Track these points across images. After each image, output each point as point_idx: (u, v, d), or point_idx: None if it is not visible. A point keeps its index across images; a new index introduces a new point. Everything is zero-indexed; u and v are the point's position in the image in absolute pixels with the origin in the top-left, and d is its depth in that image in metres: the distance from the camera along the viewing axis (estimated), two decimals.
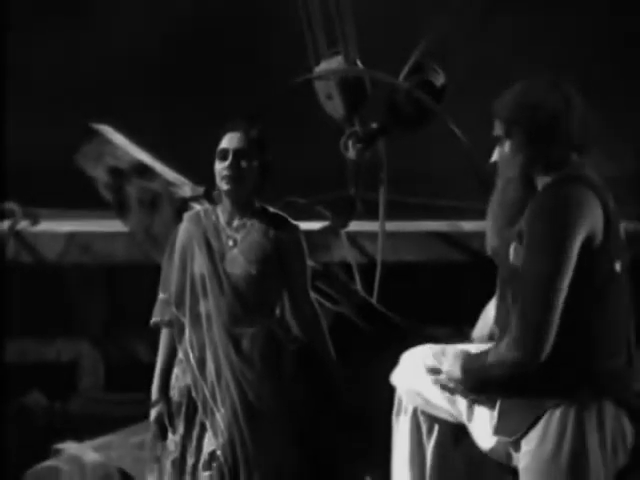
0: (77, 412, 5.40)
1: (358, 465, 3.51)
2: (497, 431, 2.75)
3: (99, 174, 4.49)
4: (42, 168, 5.70)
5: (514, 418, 2.71)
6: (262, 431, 3.32)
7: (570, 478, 2.64)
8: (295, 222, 3.50)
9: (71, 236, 5.61)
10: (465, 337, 3.99)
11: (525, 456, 2.71)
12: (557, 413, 2.67)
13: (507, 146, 2.74)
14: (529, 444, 2.71)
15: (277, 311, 3.47)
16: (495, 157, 2.78)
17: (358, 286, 4.60)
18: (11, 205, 5.59)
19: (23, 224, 5.60)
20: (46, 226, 5.70)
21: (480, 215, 4.47)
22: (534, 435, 2.70)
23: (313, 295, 3.60)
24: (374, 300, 4.56)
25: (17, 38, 6.06)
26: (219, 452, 3.28)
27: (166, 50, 6.24)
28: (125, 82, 6.21)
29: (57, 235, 5.63)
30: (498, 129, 2.75)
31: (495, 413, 2.74)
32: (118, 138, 4.58)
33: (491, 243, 2.72)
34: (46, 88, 6.16)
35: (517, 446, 2.74)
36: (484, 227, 3.86)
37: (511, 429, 2.71)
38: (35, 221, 5.65)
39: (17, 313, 5.44)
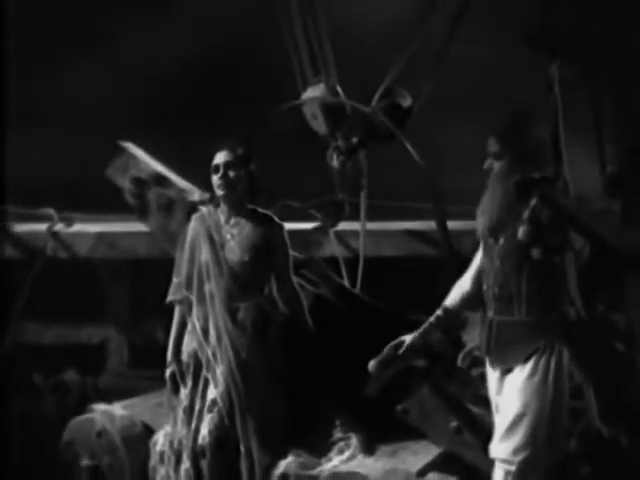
0: (105, 386, 5.84)
1: (330, 410, 4.18)
2: (491, 361, 3.74)
3: (125, 183, 4.90)
4: (77, 178, 6.04)
5: (512, 352, 3.69)
6: (252, 383, 4.05)
7: (553, 403, 3.63)
8: (279, 220, 4.24)
9: (100, 235, 6.02)
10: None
11: (515, 383, 3.68)
12: (546, 352, 3.66)
13: (503, 162, 3.76)
14: (521, 373, 3.68)
15: (266, 290, 4.20)
16: (488, 165, 3.82)
17: (344, 277, 5.08)
18: (49, 210, 6.08)
19: (59, 226, 6.07)
20: (79, 227, 6.12)
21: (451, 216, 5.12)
22: (525, 367, 3.67)
23: (297, 279, 4.33)
24: (357, 288, 5.00)
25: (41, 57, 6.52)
26: (219, 399, 4.02)
27: (175, 77, 6.52)
28: (141, 103, 6.51)
29: (88, 235, 6.05)
30: (494, 147, 3.80)
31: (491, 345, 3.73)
32: (141, 153, 5.00)
33: (491, 225, 3.74)
34: (78, 114, 6.54)
35: (505, 374, 3.73)
36: (454, 227, 4.88)
37: (503, 360, 3.70)
38: (69, 223, 6.10)
39: (55, 302, 5.94)
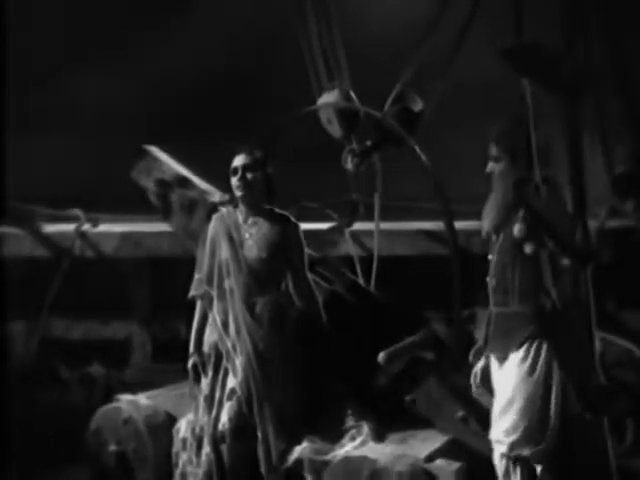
0: (130, 379, 6.04)
1: (343, 400, 4.35)
2: (491, 349, 3.98)
3: (149, 185, 5.09)
4: (103, 180, 6.15)
5: (506, 340, 3.94)
6: (269, 373, 4.24)
7: (542, 387, 3.88)
8: (295, 220, 4.41)
9: (125, 235, 6.23)
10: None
11: (508, 369, 3.93)
12: (537, 339, 3.90)
13: (502, 165, 4.02)
14: (514, 359, 3.93)
15: (283, 286, 4.37)
16: (490, 169, 4.07)
17: (359, 275, 5.20)
18: (76, 211, 6.30)
19: (86, 226, 6.28)
20: (105, 227, 6.33)
21: (458, 216, 5.29)
22: (518, 354, 3.91)
23: (312, 276, 4.50)
24: (372, 285, 5.12)
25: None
26: (238, 388, 4.21)
27: (195, 81, 6.63)
28: (165, 106, 6.62)
29: (114, 234, 6.26)
30: (494, 151, 4.07)
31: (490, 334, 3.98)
32: (164, 157, 5.17)
33: (494, 224, 4.03)
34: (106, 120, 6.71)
35: (503, 361, 3.97)
36: (463, 227, 5.10)
37: (500, 348, 3.95)
38: (96, 223, 6.33)
39: (82, 299, 6.18)
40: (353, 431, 4.28)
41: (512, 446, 3.93)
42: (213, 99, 6.64)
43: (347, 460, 4.14)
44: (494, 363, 4.04)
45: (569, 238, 3.85)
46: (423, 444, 4.24)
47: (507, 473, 3.98)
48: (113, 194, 5.90)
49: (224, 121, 6.29)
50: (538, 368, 3.89)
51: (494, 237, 4.04)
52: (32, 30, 6.56)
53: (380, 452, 4.15)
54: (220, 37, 6.72)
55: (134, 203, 5.36)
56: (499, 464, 4.00)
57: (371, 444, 4.24)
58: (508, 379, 3.94)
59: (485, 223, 4.07)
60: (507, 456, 3.95)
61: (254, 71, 6.63)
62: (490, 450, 4.10)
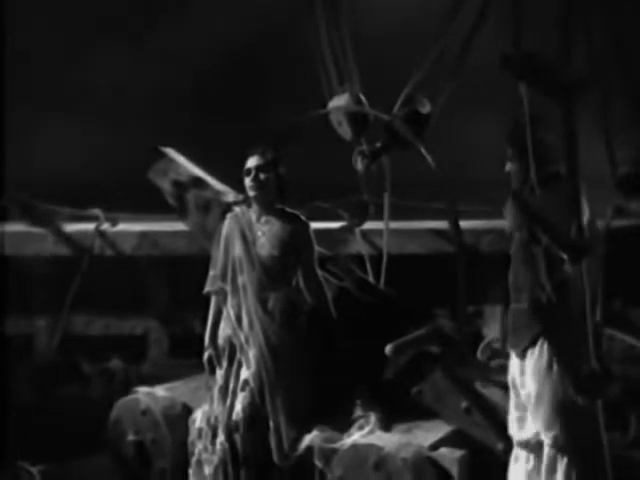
0: (147, 374, 6.20)
1: (351, 390, 4.49)
2: (510, 346, 4.09)
3: (165, 185, 5.24)
4: (121, 181, 6.30)
5: (518, 336, 4.04)
6: (281, 365, 4.40)
7: (560, 382, 3.97)
8: (306, 219, 4.57)
9: (143, 234, 6.44)
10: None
11: (529, 364, 4.04)
12: (549, 336, 3.98)
13: (514, 165, 4.16)
14: (532, 356, 4.04)
15: (294, 282, 4.52)
16: (507, 169, 4.20)
17: (369, 272, 5.33)
18: (96, 211, 6.50)
19: (106, 225, 6.49)
20: (123, 227, 6.53)
21: (468, 215, 5.38)
22: (534, 350, 4.02)
23: (322, 273, 4.65)
24: (381, 283, 5.26)
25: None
26: (250, 379, 4.39)
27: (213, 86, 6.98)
28: (181, 108, 6.98)
29: (132, 233, 6.46)
30: (508, 152, 4.20)
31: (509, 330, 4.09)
32: (180, 158, 5.33)
33: (512, 223, 4.14)
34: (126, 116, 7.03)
35: (523, 357, 4.07)
36: (472, 226, 5.18)
37: (512, 344, 4.07)
38: (115, 223, 6.53)
39: (101, 296, 6.37)
40: (361, 421, 4.41)
41: (556, 438, 4.00)
42: (216, 98, 6.77)
43: (355, 447, 4.30)
44: (513, 359, 4.14)
45: (563, 234, 3.92)
46: (428, 433, 4.38)
47: (554, 460, 4.03)
48: (133, 193, 5.93)
49: (239, 121, 6.48)
50: (555, 362, 3.98)
51: (515, 235, 4.15)
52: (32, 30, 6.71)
53: (386, 440, 4.30)
54: (220, 37, 6.85)
55: (152, 203, 5.45)
56: (547, 452, 4.03)
57: (378, 433, 4.38)
58: (531, 379, 4.03)
59: (507, 222, 4.19)
60: (553, 447, 4.02)
61: (257, 71, 6.80)
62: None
